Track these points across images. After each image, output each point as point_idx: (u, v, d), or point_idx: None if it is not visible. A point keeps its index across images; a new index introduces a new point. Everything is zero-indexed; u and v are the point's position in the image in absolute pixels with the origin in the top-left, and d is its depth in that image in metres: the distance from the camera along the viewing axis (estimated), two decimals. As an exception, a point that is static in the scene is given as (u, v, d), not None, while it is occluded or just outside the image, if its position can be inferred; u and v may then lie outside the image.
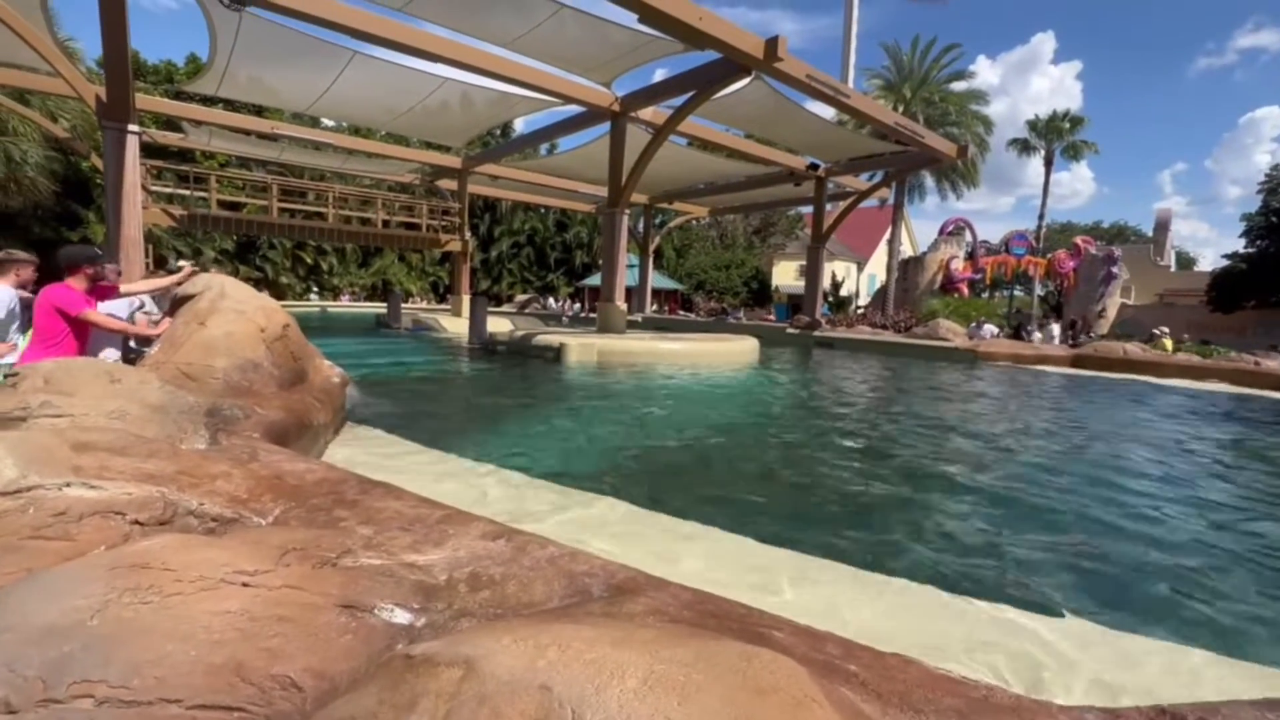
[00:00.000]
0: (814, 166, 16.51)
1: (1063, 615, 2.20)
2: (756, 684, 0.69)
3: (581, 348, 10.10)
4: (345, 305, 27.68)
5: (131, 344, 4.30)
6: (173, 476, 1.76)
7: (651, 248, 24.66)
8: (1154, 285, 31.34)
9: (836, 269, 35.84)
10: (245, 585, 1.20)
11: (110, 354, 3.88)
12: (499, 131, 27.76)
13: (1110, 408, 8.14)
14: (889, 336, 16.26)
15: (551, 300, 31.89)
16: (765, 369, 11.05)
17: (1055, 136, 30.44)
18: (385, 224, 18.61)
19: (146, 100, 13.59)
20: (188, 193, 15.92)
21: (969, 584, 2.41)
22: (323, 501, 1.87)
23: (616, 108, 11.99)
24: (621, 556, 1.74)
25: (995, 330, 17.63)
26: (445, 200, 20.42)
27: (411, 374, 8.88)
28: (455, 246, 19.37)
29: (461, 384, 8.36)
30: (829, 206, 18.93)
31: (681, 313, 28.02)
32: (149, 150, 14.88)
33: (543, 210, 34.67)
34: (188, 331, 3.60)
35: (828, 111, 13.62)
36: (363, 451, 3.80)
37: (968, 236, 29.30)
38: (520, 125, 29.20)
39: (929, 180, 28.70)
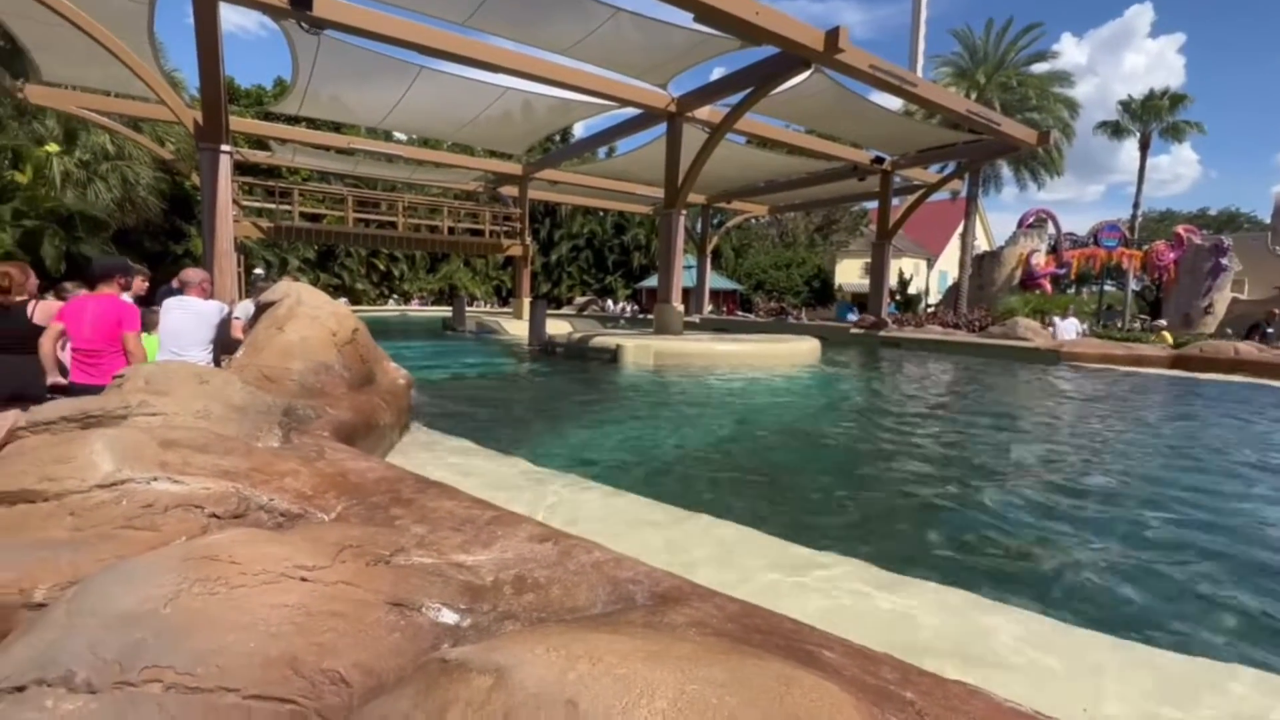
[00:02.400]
0: (879, 160, 15.88)
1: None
2: (794, 712, 0.65)
3: (638, 349, 10.13)
4: (416, 309, 29.03)
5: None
6: (246, 473, 1.88)
7: (709, 248, 24.48)
8: (1273, 277, 28.23)
9: (904, 266, 34.37)
10: (303, 580, 1.25)
11: (200, 356, 4.20)
12: (558, 137, 28.32)
13: (1235, 415, 7.23)
14: (962, 336, 15.39)
15: (610, 302, 32.24)
16: (827, 370, 10.73)
17: (1153, 117, 27.99)
18: (451, 231, 19.37)
19: (239, 122, 14.71)
20: (274, 206, 17.12)
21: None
22: (381, 499, 1.94)
23: (673, 108, 11.95)
24: (671, 561, 1.71)
25: (1080, 327, 16.05)
26: (507, 206, 21.04)
27: (473, 376, 9.18)
28: (516, 251, 19.90)
29: (520, 385, 8.57)
30: (895, 201, 18.16)
31: (740, 313, 27.60)
32: (241, 168, 16.14)
33: (601, 214, 35.16)
34: (268, 336, 3.85)
35: (894, 103, 13.09)
36: (424, 451, 3.95)
37: (1050, 229, 27.36)
38: (579, 130, 29.73)
39: (1006, 170, 27.05)
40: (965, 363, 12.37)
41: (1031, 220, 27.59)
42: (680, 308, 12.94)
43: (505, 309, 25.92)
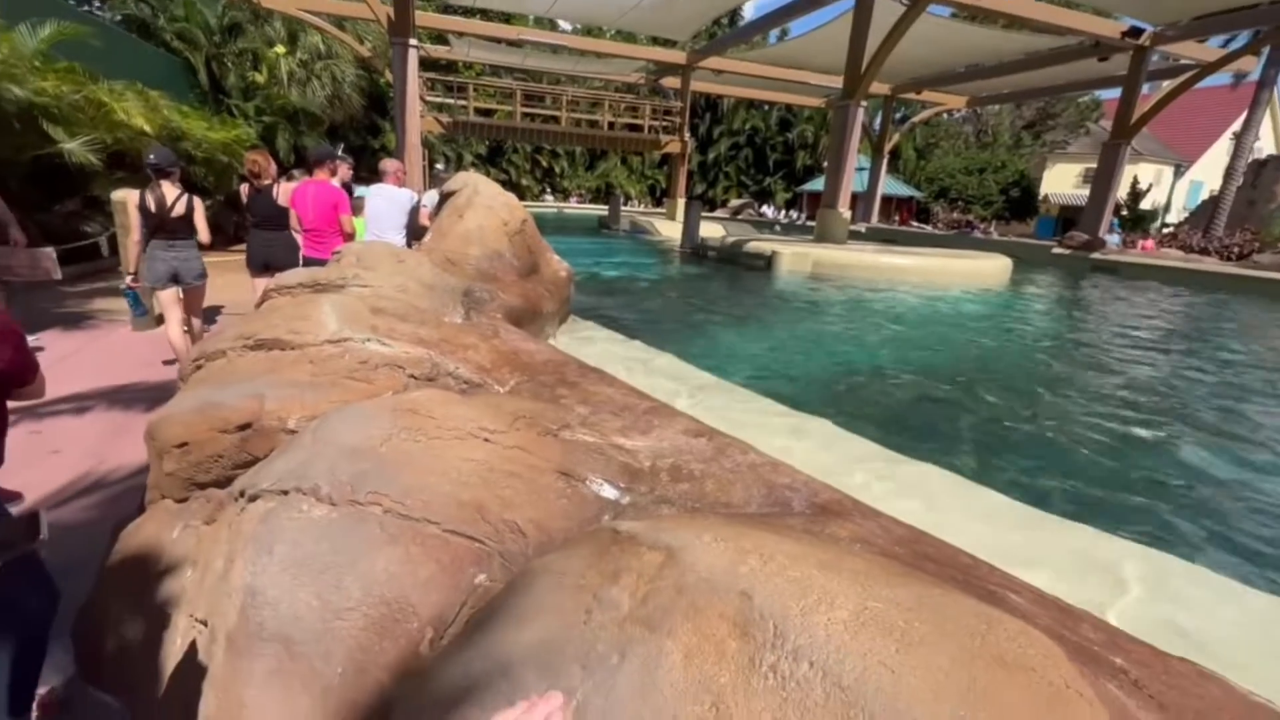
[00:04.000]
0: (1134, 32, 12.50)
1: None
2: (999, 654, 0.57)
3: (795, 257, 9.59)
4: (574, 206, 30.02)
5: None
6: (437, 343, 2.10)
7: (887, 147, 21.70)
8: None
9: (1141, 173, 27.75)
10: (486, 440, 1.39)
11: (396, 238, 4.71)
12: (726, 20, 26.09)
13: None
14: (1211, 264, 12.37)
15: (766, 208, 30.55)
16: (1016, 295, 9.35)
17: None
18: (610, 126, 19.23)
19: (423, 17, 15.44)
20: (452, 101, 18.14)
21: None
22: (548, 379, 2.07)
23: (865, -25, 10.30)
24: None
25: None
26: (668, 100, 20.26)
27: (625, 274, 9.39)
28: (674, 148, 19.33)
29: (670, 287, 8.60)
30: (1145, 88, 14.42)
31: (915, 224, 24.67)
32: (423, 64, 17.13)
33: (765, 107, 32.52)
34: (450, 223, 4.18)
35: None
36: (580, 341, 4.17)
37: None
38: (749, 10, 26.99)
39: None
40: (1212, 299, 10.02)
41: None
42: (846, 214, 11.87)
43: (658, 209, 25.75)
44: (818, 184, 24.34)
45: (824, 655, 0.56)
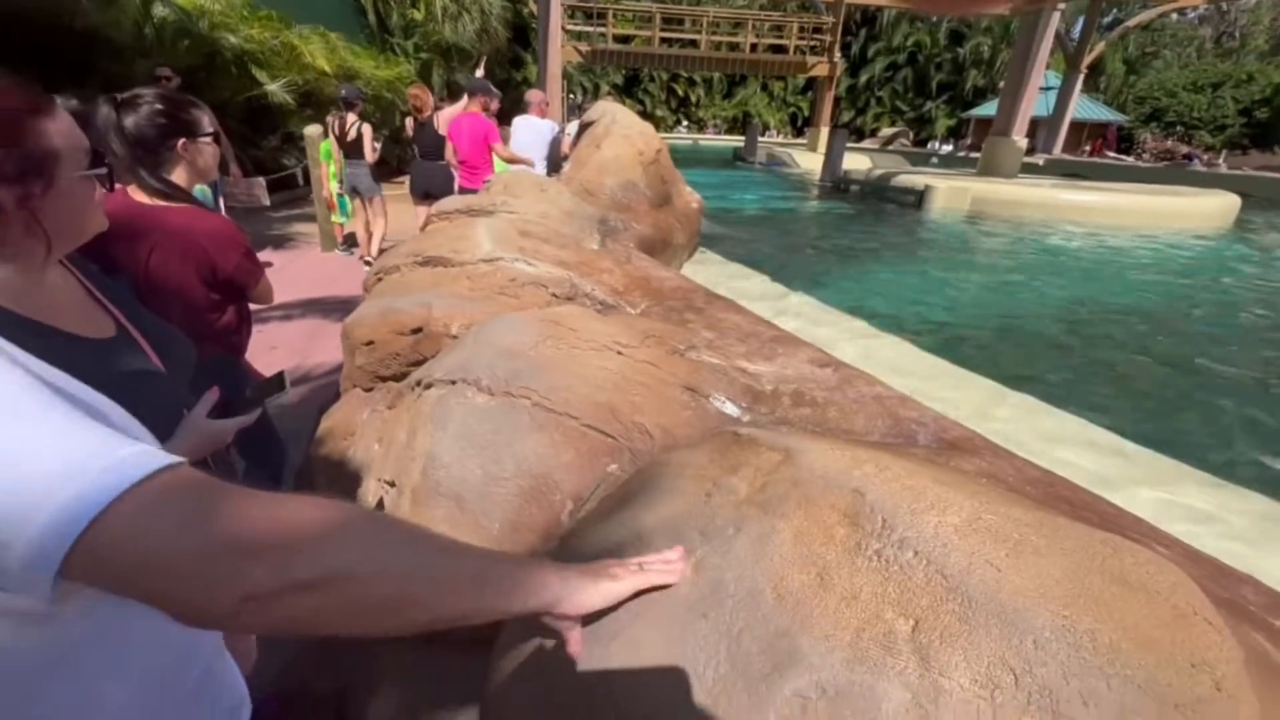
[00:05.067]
0: None
1: None
2: (1120, 574, 0.57)
3: (951, 192, 8.63)
4: (710, 137, 29.03)
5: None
6: (576, 266, 2.25)
7: (1085, 61, 18.16)
8: None
9: None
10: (619, 353, 1.51)
11: (540, 168, 4.94)
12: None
13: None
14: None
15: (936, 143, 27.19)
16: (1242, 241, 7.69)
17: None
18: (753, 48, 18.04)
19: (566, -62, 15.21)
20: (591, 29, 17.99)
21: None
22: (676, 305, 2.15)
23: None
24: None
25: None
26: (818, 15, 18.46)
27: (757, 209, 9.05)
28: (821, 71, 17.78)
29: (806, 223, 8.19)
30: None
31: (1111, 155, 20.73)
32: (566, -11, 17.05)
33: (934, 20, 28.46)
34: (588, 153, 4.30)
35: None
36: (709, 272, 4.18)
37: None
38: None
39: None
40: None
41: None
42: (1021, 143, 10.35)
43: (799, 140, 24.10)
44: (989, 108, 21.13)
45: (929, 548, 0.59)
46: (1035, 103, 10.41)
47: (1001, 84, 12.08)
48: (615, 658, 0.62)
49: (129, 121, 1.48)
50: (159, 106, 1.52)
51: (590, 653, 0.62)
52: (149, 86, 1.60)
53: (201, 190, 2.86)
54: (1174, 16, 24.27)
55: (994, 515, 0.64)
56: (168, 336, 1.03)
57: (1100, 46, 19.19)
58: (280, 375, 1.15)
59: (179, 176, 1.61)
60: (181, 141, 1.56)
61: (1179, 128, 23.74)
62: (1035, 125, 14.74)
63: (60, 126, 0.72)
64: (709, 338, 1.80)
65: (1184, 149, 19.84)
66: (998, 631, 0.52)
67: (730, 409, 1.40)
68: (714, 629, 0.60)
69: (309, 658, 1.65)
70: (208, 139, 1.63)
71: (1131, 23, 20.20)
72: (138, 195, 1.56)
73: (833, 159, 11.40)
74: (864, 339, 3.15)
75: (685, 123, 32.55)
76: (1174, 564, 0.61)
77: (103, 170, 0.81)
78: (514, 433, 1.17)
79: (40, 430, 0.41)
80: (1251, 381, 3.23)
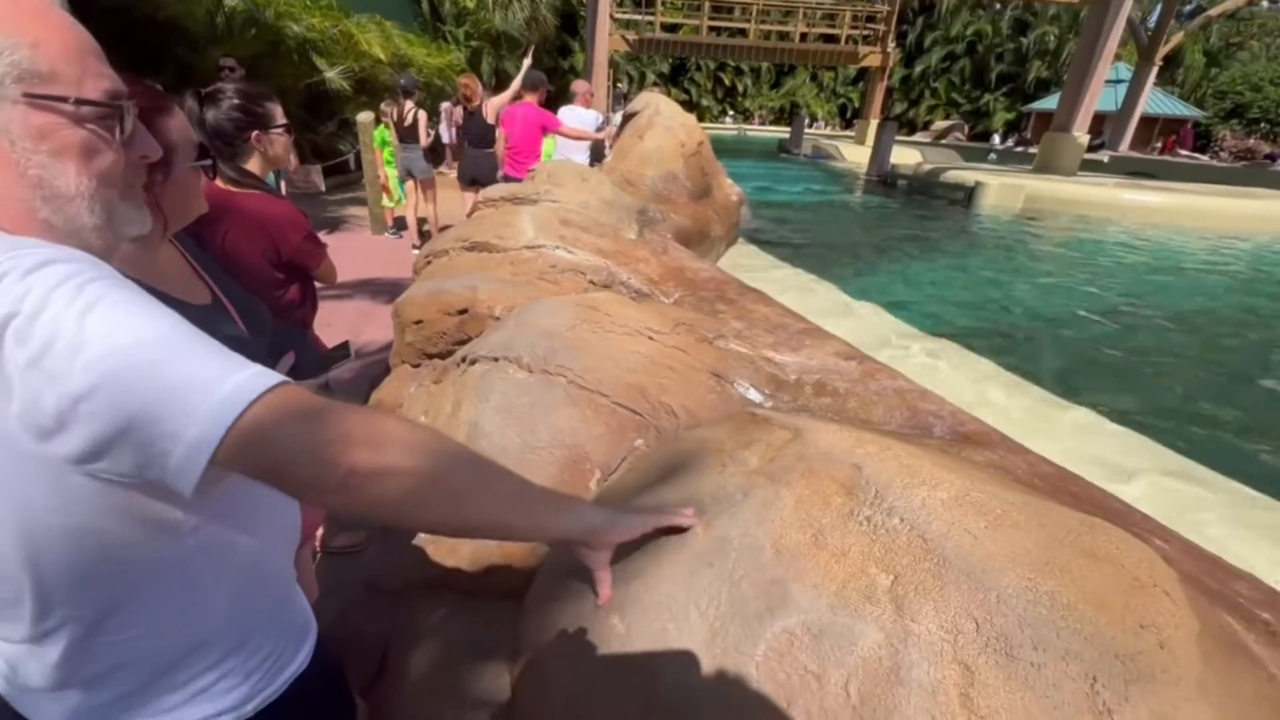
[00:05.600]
0: None
1: None
2: (1089, 548, 0.63)
3: (1003, 189, 8.36)
4: (755, 128, 28.66)
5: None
6: (613, 254, 2.33)
7: (1160, 52, 17.08)
8: None
9: None
10: (650, 339, 1.59)
11: (581, 158, 5.04)
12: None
13: None
14: None
15: (995, 138, 26.07)
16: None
17: None
18: (803, 38, 17.70)
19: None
20: (639, 18, 17.95)
21: None
22: (709, 295, 2.22)
23: None
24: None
25: None
26: (872, 3, 17.96)
27: (799, 201, 8.95)
28: (873, 61, 17.32)
29: (848, 218, 8.07)
30: None
31: (1184, 153, 19.52)
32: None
33: (997, 7, 27.28)
34: (630, 144, 4.37)
35: None
36: (745, 265, 4.21)
37: None
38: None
39: None
40: None
41: None
42: (1083, 139, 9.92)
43: (847, 133, 23.57)
44: (1051, 102, 20.16)
45: (915, 516, 0.66)
46: (1101, 96, 9.92)
47: (1067, 74, 11.50)
48: (634, 594, 0.71)
49: (210, 115, 1.63)
50: (236, 101, 1.66)
51: (613, 591, 0.72)
52: (227, 81, 1.75)
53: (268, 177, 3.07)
54: (1264, 4, 22.59)
55: (981, 494, 0.71)
56: (250, 305, 1.16)
57: (1179, 36, 18.01)
58: (345, 344, 1.28)
59: (253, 165, 1.76)
60: (255, 134, 1.70)
61: (1263, 125, 22.20)
62: (1102, 121, 14.03)
63: (178, 123, 0.85)
64: (738, 328, 1.86)
65: (1266, 148, 18.54)
66: (966, 587, 0.59)
67: (753, 395, 1.47)
68: (718, 575, 0.69)
69: (358, 607, 1.80)
70: (279, 130, 1.77)
71: (1215, 11, 18.83)
72: (217, 181, 1.72)
73: (880, 153, 11.15)
74: (895, 335, 3.15)
75: (731, 113, 32.18)
76: (1141, 543, 0.66)
77: (208, 162, 0.93)
78: (550, 407, 1.27)
79: (198, 346, 0.53)
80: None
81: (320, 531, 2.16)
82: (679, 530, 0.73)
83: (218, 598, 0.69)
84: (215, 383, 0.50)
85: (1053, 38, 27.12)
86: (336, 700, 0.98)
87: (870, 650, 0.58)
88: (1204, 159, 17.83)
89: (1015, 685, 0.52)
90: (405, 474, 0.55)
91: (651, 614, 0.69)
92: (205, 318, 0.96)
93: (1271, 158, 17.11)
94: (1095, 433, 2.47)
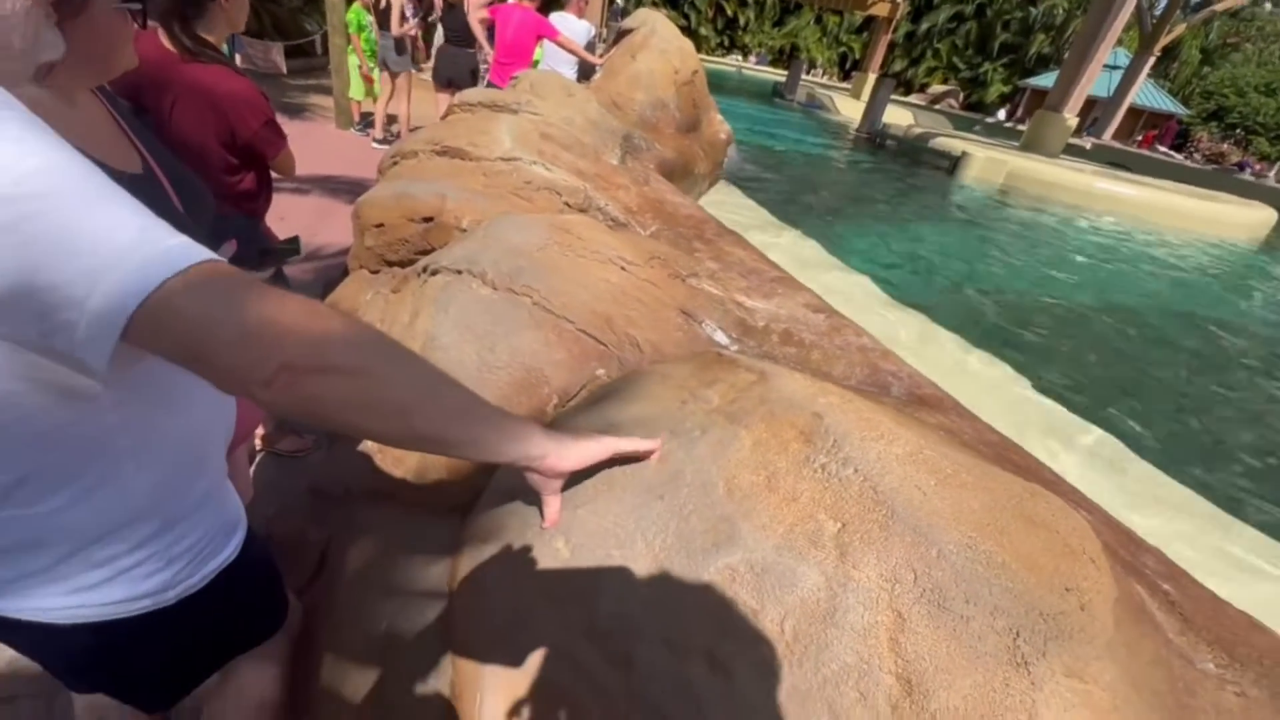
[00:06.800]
0: None
1: None
2: (1028, 514, 0.65)
3: (987, 163, 8.36)
4: (752, 68, 27.53)
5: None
6: (593, 177, 2.23)
7: (1160, 43, 16.97)
8: None
9: None
10: (622, 269, 1.54)
11: (568, 71, 4.74)
12: None
13: None
14: None
15: (1001, 113, 25.62)
16: (1271, 256, 7.60)
17: None
18: (814, -26, 16.82)
19: None
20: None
21: None
22: (686, 232, 2.16)
23: None
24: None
25: None
26: (890, -54, 17.08)
27: (788, 149, 8.76)
28: (881, 10, 16.67)
29: (833, 173, 7.96)
30: None
31: (1162, 149, 19.87)
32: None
33: (1014, -31, 26.42)
34: (622, 64, 4.12)
35: None
36: (725, 207, 4.12)
37: None
38: None
39: None
40: None
41: None
42: (1072, 121, 9.92)
43: (844, 85, 22.92)
44: (1048, 79, 19.94)
45: (869, 468, 0.66)
46: (1094, 80, 9.87)
47: (1067, 53, 11.33)
48: (581, 519, 0.70)
49: None
50: None
51: (560, 515, 0.71)
52: None
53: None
54: (1267, 4, 22.50)
55: (934, 452, 0.71)
56: (188, 182, 1.05)
57: (1181, 28, 17.89)
58: (295, 239, 1.19)
59: (215, 32, 1.57)
60: None
61: (1239, 131, 22.63)
62: (1090, 105, 14.00)
63: None
64: (712, 268, 1.82)
65: (1237, 155, 18.99)
66: (910, 540, 0.60)
67: (720, 337, 1.45)
68: (668, 508, 0.68)
69: (299, 510, 1.78)
70: None
71: (1220, 6, 18.72)
72: (167, 43, 1.53)
73: (874, 110, 10.91)
74: (868, 300, 3.17)
75: (730, 47, 30.73)
76: (1078, 515, 0.68)
77: (136, 5, 0.81)
78: (512, 326, 1.23)
79: (117, 206, 0.46)
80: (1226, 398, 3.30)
81: (261, 431, 2.09)
82: (636, 458, 0.72)
83: (141, 479, 0.65)
84: (130, 249, 0.44)
85: (1061, 11, 26.57)
86: (267, 595, 0.96)
87: (809, 591, 0.59)
88: (1179, 158, 18.17)
89: (943, 635, 0.54)
90: (346, 375, 0.49)
91: (597, 540, 0.68)
92: (133, 189, 0.86)
93: (1240, 166, 17.56)
94: (1024, 404, 2.59)
